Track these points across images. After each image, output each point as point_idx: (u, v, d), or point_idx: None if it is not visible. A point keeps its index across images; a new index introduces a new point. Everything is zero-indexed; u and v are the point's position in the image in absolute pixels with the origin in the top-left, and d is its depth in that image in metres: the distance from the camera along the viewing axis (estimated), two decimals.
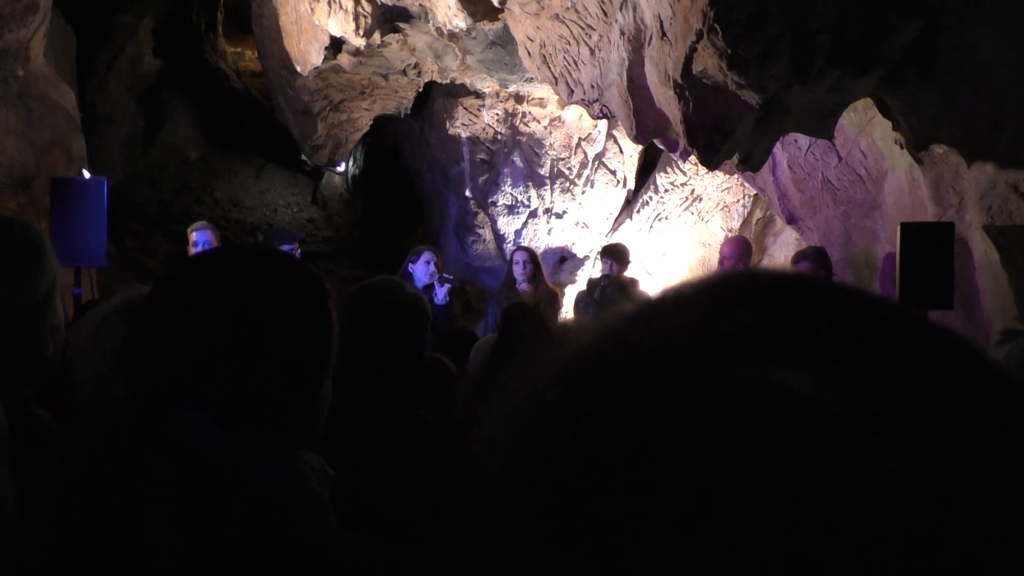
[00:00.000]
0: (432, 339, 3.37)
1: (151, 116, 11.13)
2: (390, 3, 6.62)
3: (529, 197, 8.90)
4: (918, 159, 5.10)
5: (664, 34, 4.40)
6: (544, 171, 8.84)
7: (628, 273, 7.52)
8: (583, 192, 8.87)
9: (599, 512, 0.31)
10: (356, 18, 6.66)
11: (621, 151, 8.86)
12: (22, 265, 1.75)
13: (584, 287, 7.09)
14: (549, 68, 6.00)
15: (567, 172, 8.83)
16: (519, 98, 8.64)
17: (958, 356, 0.36)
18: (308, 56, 7.27)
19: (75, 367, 1.86)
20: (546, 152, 8.78)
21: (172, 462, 1.09)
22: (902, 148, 5.24)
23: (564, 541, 0.31)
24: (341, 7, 6.68)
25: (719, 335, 0.35)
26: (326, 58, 7.16)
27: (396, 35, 7.09)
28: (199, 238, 6.62)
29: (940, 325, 0.37)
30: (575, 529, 0.31)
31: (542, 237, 8.95)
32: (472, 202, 9.08)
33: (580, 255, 9.03)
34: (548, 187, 8.87)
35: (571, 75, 5.88)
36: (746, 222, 8.64)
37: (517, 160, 8.85)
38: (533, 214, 8.95)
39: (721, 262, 7.11)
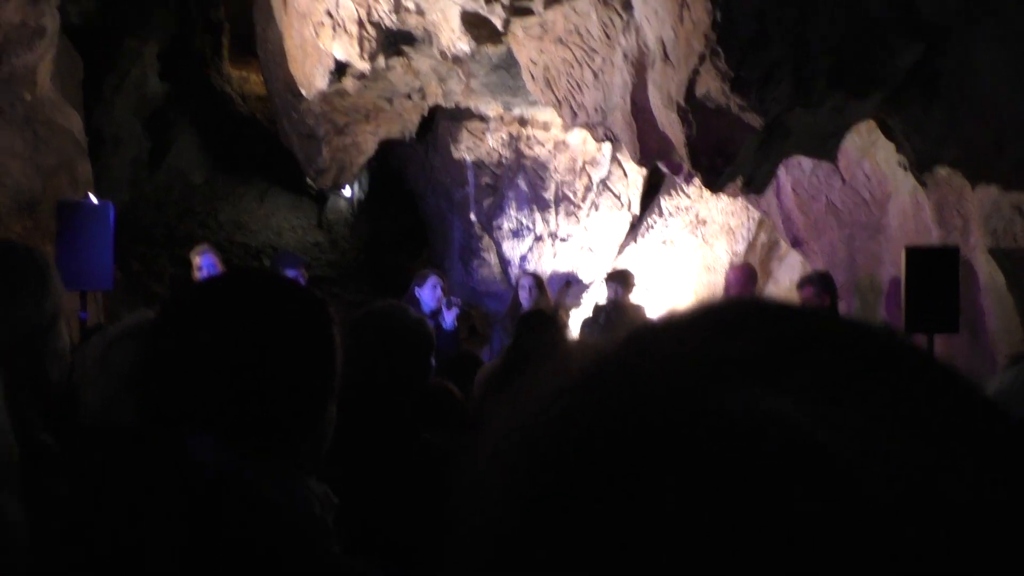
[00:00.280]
0: (438, 364, 3.36)
1: (157, 140, 11.18)
2: (394, 27, 6.66)
3: (534, 221, 8.90)
4: (922, 181, 5.10)
5: (667, 57, 4.43)
6: (549, 195, 8.85)
7: (633, 297, 7.51)
8: (588, 216, 8.87)
9: (598, 517, 0.32)
10: (360, 42, 6.70)
11: (625, 175, 8.87)
12: (27, 290, 1.75)
13: (590, 313, 7.08)
14: (553, 91, 6.03)
15: (571, 196, 8.84)
16: (523, 121, 8.66)
17: (959, 389, 0.37)
18: (313, 80, 7.30)
19: (81, 392, 1.86)
20: (550, 176, 8.79)
21: (178, 485, 1.10)
22: (906, 170, 5.25)
23: (564, 544, 0.33)
24: (346, 31, 6.71)
25: (720, 360, 0.36)
26: (331, 82, 7.19)
27: (400, 59, 7.14)
28: (204, 262, 6.61)
29: (942, 359, 0.38)
30: (575, 533, 0.33)
31: (547, 261, 8.93)
32: (477, 226, 9.09)
33: (586, 280, 9.01)
34: (552, 211, 8.87)
35: (575, 98, 5.91)
36: (751, 246, 8.63)
37: (522, 184, 8.86)
38: (538, 238, 8.94)
39: (727, 289, 7.10)
